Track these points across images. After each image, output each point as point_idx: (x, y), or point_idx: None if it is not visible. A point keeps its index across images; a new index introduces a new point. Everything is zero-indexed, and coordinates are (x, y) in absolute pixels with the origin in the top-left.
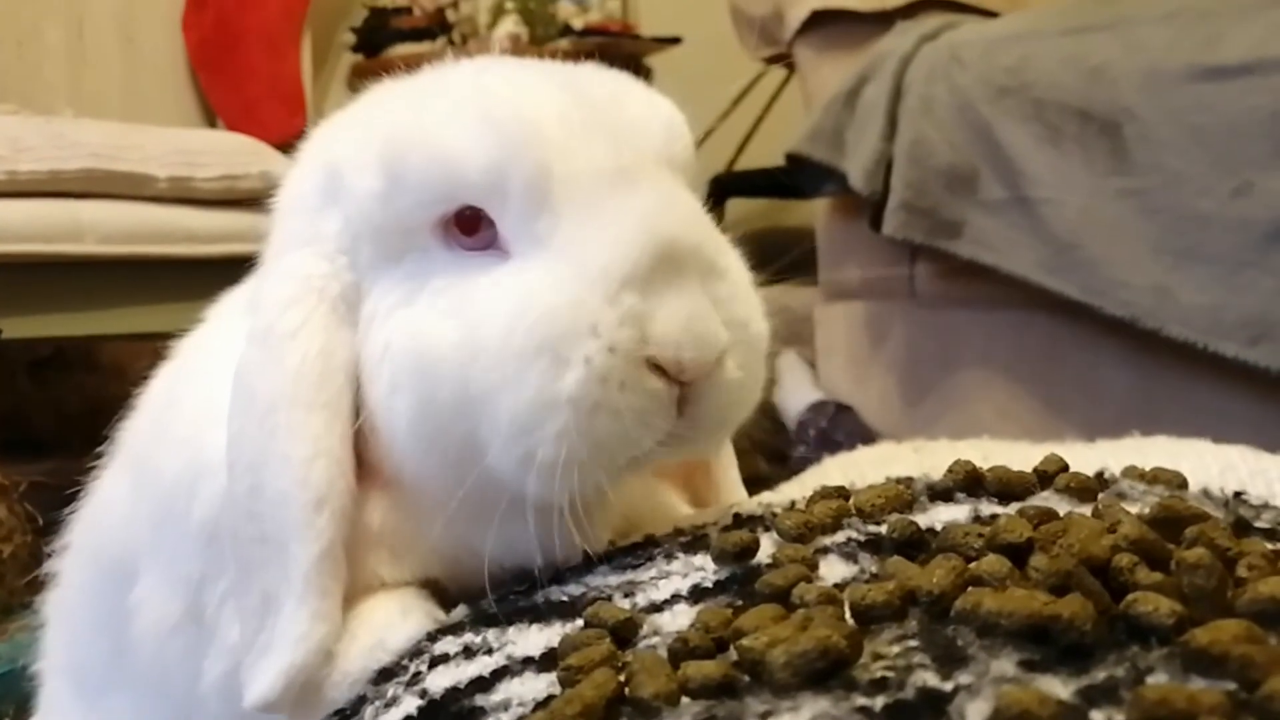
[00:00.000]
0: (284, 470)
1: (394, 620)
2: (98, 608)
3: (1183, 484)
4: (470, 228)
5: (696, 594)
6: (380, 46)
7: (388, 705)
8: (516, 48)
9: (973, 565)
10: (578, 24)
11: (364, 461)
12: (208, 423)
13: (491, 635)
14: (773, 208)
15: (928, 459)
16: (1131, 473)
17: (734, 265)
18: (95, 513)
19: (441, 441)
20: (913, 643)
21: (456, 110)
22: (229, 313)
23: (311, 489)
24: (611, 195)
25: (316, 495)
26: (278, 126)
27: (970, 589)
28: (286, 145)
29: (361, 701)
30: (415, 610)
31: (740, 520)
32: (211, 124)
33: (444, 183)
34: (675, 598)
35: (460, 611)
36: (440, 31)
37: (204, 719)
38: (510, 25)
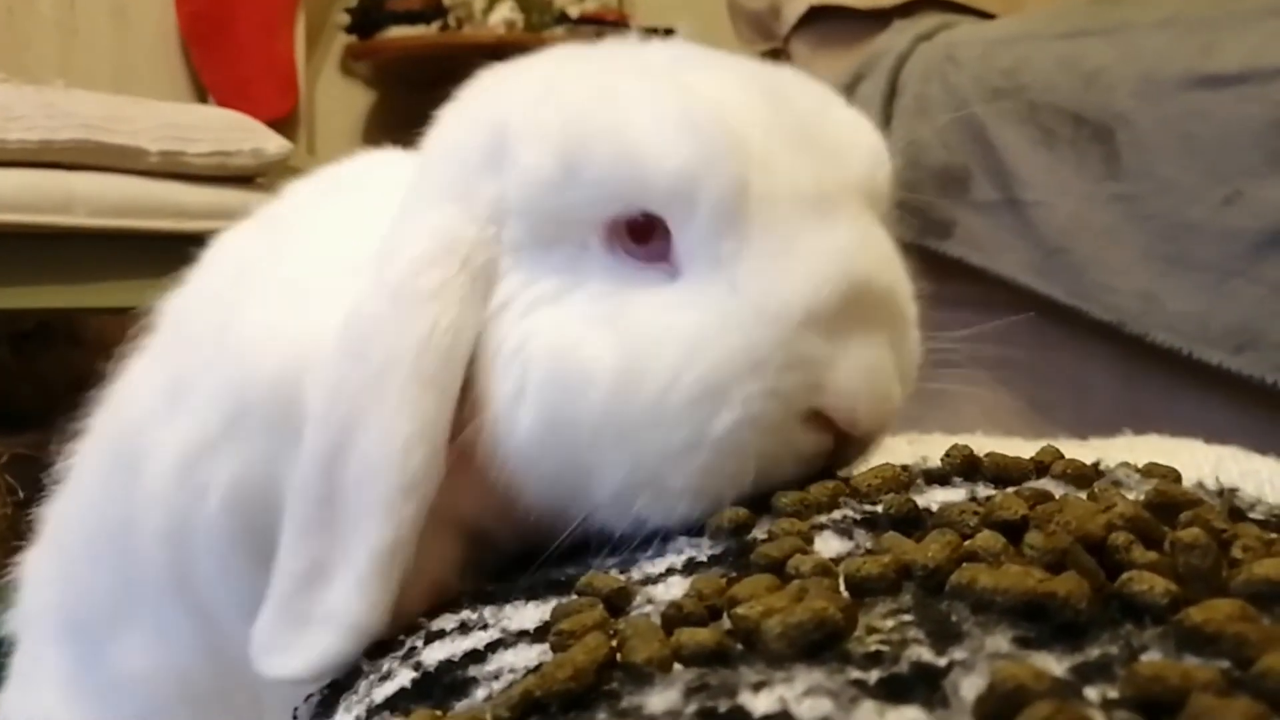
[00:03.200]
0: (384, 442)
1: None
2: (102, 522)
3: (1177, 479)
4: (643, 235)
5: (691, 567)
6: (374, 29)
7: (383, 679)
8: (511, 35)
9: (968, 542)
10: (573, 12)
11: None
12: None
13: (488, 612)
14: None
15: (922, 450)
16: (1127, 465)
17: (915, 315)
18: (116, 399)
19: (565, 461)
20: (907, 617)
21: (654, 104)
22: (327, 195)
23: (408, 472)
24: (808, 224)
25: (410, 479)
26: (269, 105)
27: (965, 564)
28: (277, 124)
29: (356, 675)
30: None
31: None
32: (202, 100)
33: (627, 183)
34: (670, 571)
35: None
36: (435, 15)
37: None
38: (505, 11)
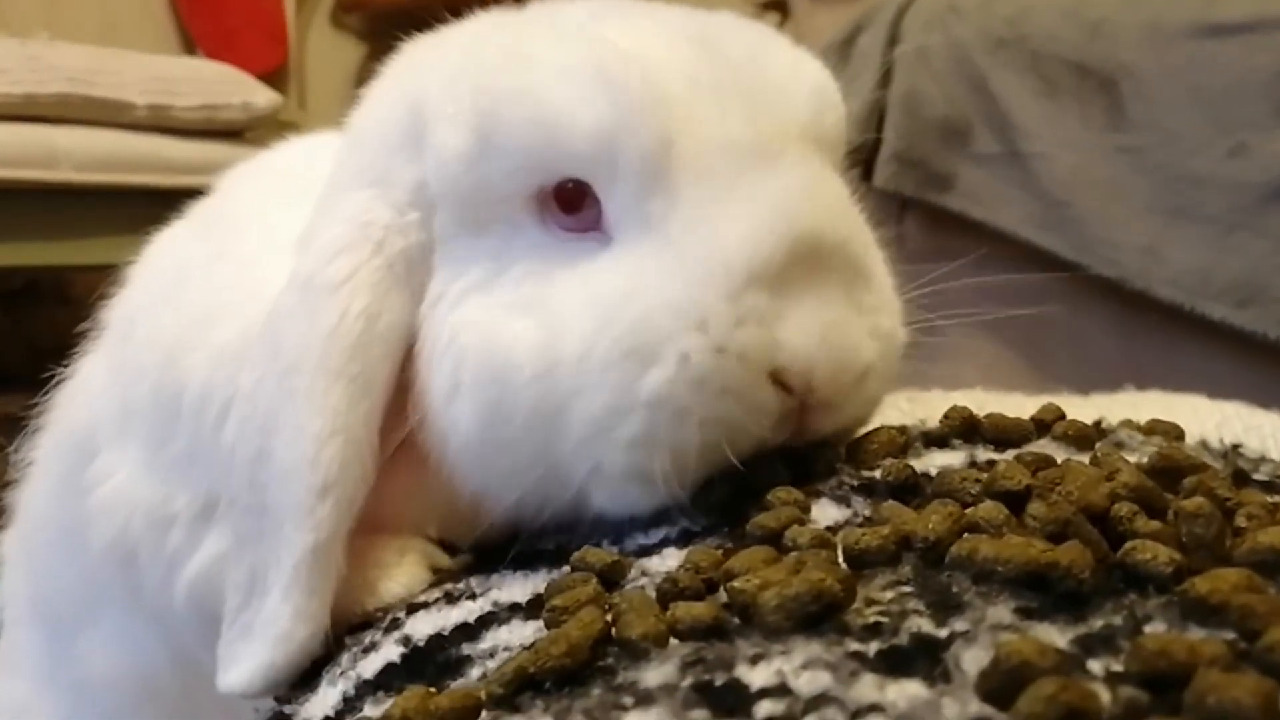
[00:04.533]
0: (295, 442)
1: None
2: (59, 525)
3: (1180, 435)
4: (572, 204)
5: (686, 537)
6: None
7: (366, 651)
8: None
9: (969, 511)
10: None
11: (388, 435)
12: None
13: (474, 581)
14: None
15: (921, 409)
16: (1129, 424)
17: (880, 266)
18: (70, 399)
19: (509, 455)
20: (907, 588)
21: (565, 62)
22: (262, 191)
23: (320, 471)
24: (744, 175)
25: (324, 479)
26: (258, 57)
27: (966, 535)
28: (267, 77)
29: (338, 648)
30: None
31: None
32: (190, 53)
33: (544, 149)
34: (664, 542)
35: None
36: None
37: (181, 624)
38: None
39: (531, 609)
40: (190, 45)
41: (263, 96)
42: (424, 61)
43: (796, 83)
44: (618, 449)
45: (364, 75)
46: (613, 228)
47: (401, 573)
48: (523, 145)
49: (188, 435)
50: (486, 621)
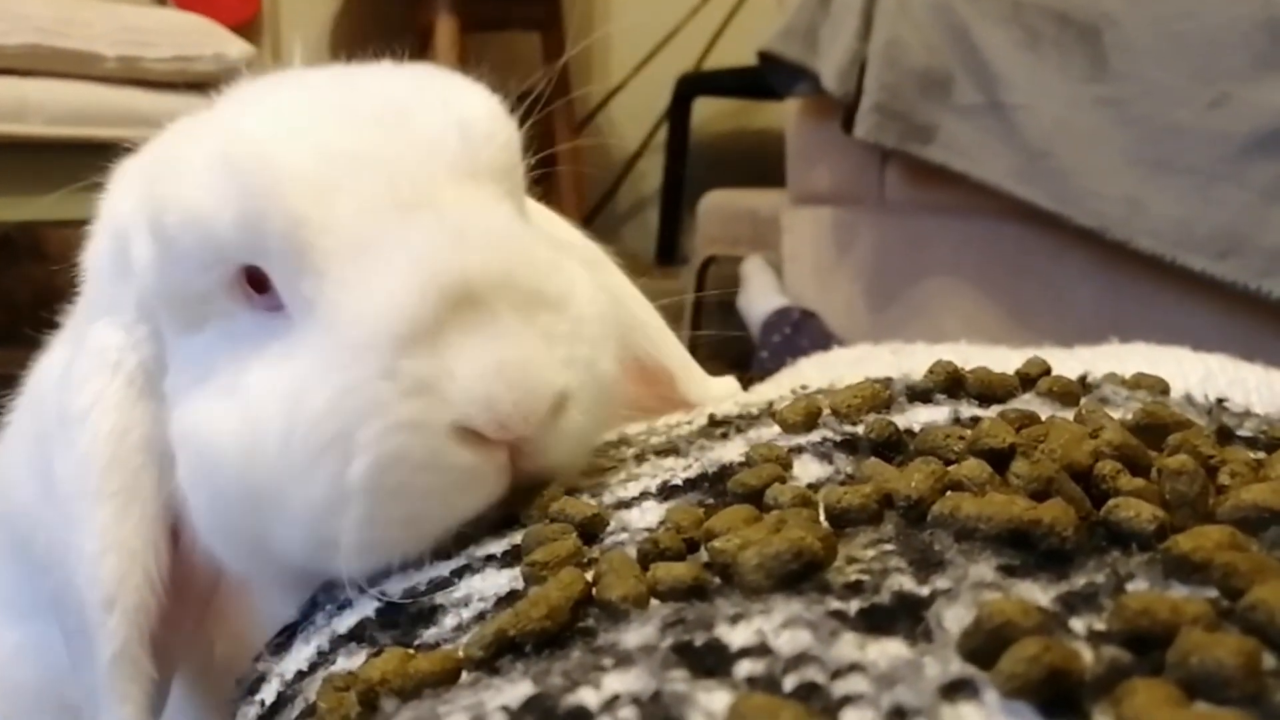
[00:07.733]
0: (79, 566)
1: None
2: (14, 546)
3: (1165, 389)
4: (260, 286)
5: (666, 491)
6: None
7: (341, 608)
8: None
9: (952, 469)
10: None
11: None
12: None
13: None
14: (742, 108)
15: (905, 361)
16: (1114, 378)
17: (578, 289)
18: (4, 464)
19: (238, 535)
20: (889, 546)
21: (202, 160)
22: None
23: (100, 587)
24: (381, 238)
25: (105, 594)
26: (231, 8)
27: (949, 493)
28: (240, 28)
29: (313, 606)
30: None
31: (715, 423)
32: (161, 3)
33: (204, 248)
34: (644, 495)
35: None
36: None
37: None
38: None
39: (506, 559)
40: None
41: (235, 48)
42: (119, 185)
43: (442, 126)
44: (347, 529)
45: (338, 25)
46: (288, 307)
47: None
48: (189, 246)
49: None
50: (461, 572)
